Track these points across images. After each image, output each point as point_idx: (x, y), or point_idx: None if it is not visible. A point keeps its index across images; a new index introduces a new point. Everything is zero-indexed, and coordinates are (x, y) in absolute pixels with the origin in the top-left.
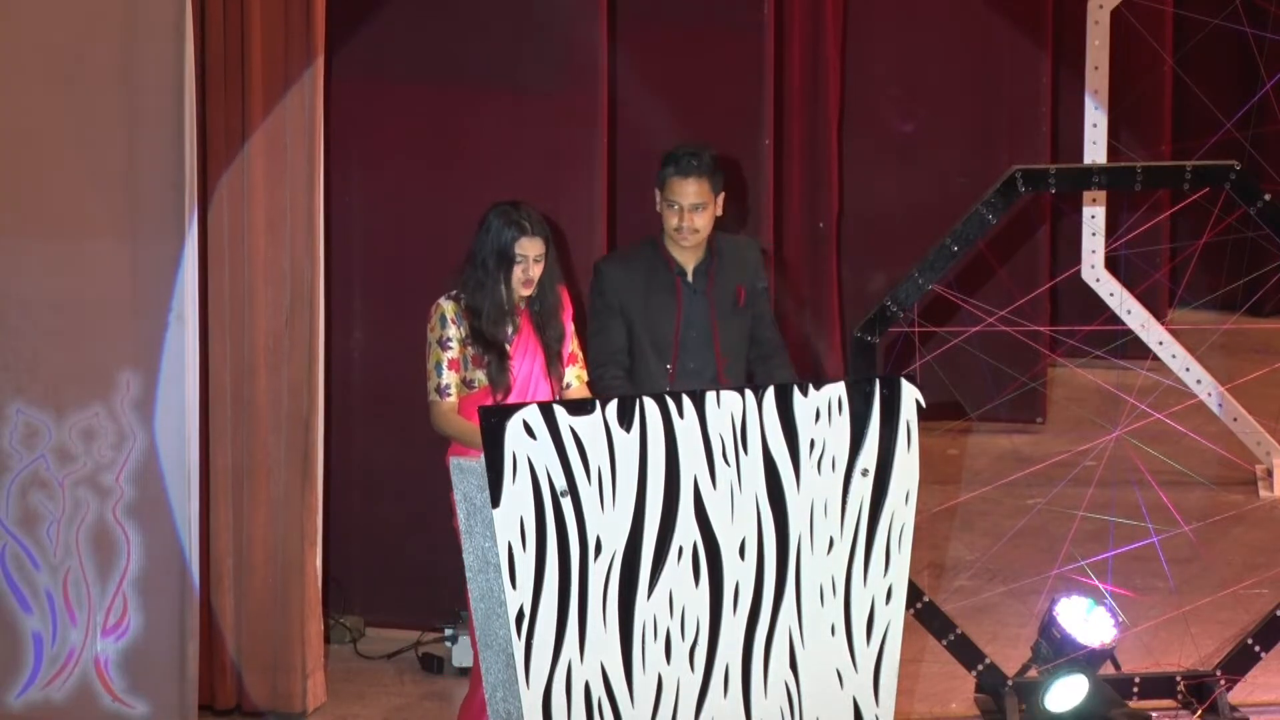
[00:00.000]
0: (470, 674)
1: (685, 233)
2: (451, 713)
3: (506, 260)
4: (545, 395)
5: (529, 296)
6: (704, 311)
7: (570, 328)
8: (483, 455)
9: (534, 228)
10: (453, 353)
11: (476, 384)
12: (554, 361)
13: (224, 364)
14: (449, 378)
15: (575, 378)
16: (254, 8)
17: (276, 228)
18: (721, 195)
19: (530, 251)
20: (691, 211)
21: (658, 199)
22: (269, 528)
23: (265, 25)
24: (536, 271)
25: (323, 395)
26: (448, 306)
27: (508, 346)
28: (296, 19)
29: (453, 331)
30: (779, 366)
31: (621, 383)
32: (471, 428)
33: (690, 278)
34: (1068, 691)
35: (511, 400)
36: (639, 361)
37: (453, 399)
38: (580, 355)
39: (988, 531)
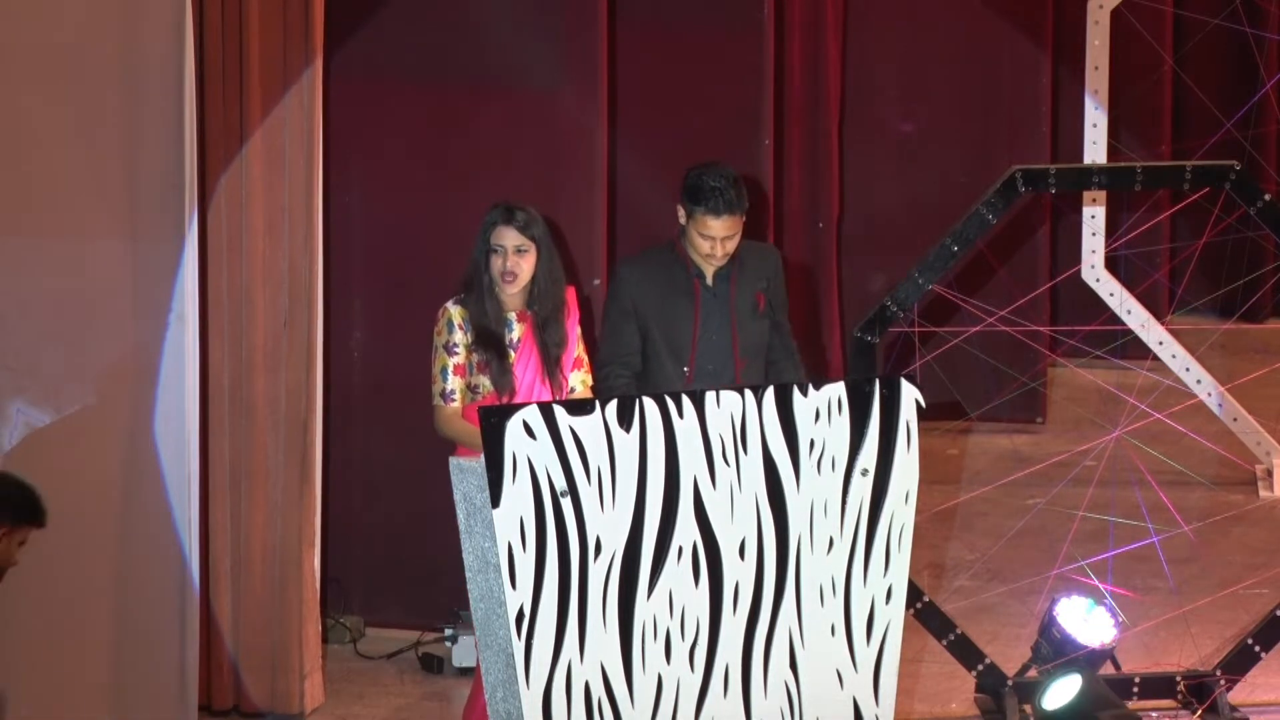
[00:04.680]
0: (473, 676)
1: (718, 258)
2: (451, 713)
3: (488, 251)
4: (545, 400)
5: (524, 296)
6: (723, 315)
7: (575, 332)
8: (483, 455)
9: (514, 218)
10: (459, 358)
11: (481, 390)
12: (551, 365)
13: (222, 365)
14: (454, 383)
15: (580, 383)
16: (252, 9)
17: (275, 230)
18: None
19: (508, 242)
20: (724, 241)
21: (681, 215)
22: (266, 529)
23: (264, 26)
24: (516, 264)
25: (321, 397)
26: (454, 311)
27: (511, 351)
28: (295, 20)
29: (459, 336)
30: (789, 369)
31: (626, 382)
32: (475, 431)
33: (710, 281)
34: (1062, 691)
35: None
36: (654, 364)
37: (457, 404)
38: (586, 360)
39: (988, 531)
